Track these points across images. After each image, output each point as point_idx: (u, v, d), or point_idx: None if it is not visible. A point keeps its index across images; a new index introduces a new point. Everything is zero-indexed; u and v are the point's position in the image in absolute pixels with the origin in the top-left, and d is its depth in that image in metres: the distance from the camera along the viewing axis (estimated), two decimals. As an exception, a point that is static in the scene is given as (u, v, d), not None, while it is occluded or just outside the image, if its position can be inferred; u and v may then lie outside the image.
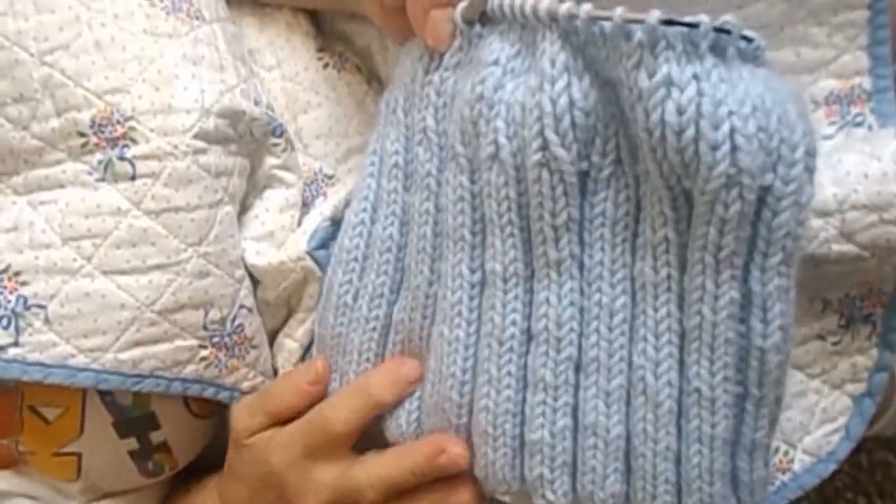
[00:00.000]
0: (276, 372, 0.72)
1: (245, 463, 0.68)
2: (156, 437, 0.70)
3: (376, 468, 0.62)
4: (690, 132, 0.47)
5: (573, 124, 0.52)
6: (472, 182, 0.57)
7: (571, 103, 0.52)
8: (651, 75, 0.47)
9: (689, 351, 0.52)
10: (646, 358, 0.53)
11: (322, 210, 0.70)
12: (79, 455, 0.68)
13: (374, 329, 0.64)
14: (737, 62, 0.47)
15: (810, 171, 0.48)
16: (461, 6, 0.57)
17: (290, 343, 0.71)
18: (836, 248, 0.60)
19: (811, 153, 0.48)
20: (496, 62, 0.55)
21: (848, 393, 0.68)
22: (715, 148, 0.46)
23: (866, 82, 0.64)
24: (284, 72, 0.74)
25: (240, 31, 0.74)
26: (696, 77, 0.47)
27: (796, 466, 0.67)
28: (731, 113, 0.46)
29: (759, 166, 0.46)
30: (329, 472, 0.64)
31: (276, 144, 0.70)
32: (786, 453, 0.67)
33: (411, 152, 0.62)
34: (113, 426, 0.68)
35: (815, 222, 0.59)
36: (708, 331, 0.51)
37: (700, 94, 0.46)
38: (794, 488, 0.67)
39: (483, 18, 0.57)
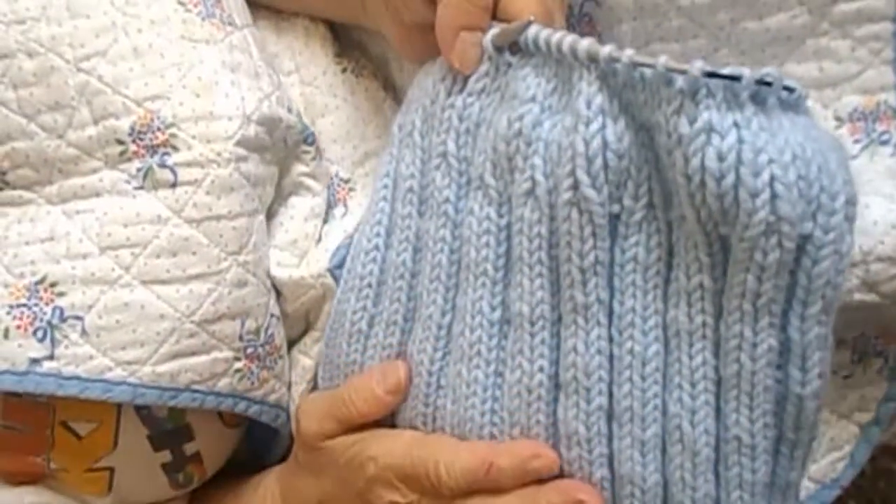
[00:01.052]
0: (289, 386, 0.72)
1: (325, 463, 0.65)
2: (189, 448, 0.69)
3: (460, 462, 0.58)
4: (730, 179, 0.47)
5: (605, 166, 0.52)
6: (500, 216, 0.57)
7: (605, 145, 0.52)
8: (692, 122, 0.48)
9: (727, 399, 0.52)
10: (682, 406, 0.53)
11: (345, 227, 0.70)
12: (111, 469, 0.68)
13: (389, 357, 0.63)
14: (777, 111, 0.48)
15: (850, 219, 0.48)
16: (493, 32, 0.57)
17: (305, 360, 0.71)
18: (858, 297, 0.60)
19: (851, 202, 0.48)
20: (533, 99, 0.55)
21: (856, 421, 0.69)
22: (755, 195, 0.47)
23: (892, 98, 0.63)
24: (303, 76, 0.74)
25: (260, 36, 0.73)
26: (736, 125, 0.47)
27: (801, 494, 0.66)
28: (771, 161, 0.46)
29: (798, 214, 0.47)
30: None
31: (306, 152, 0.70)
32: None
33: (427, 176, 0.62)
34: (147, 439, 0.67)
35: (839, 271, 0.60)
36: (747, 379, 0.51)
37: (740, 141, 0.47)
38: None
39: (513, 47, 0.57)
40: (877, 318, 0.63)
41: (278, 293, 0.70)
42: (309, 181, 0.71)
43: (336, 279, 0.67)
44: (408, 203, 0.62)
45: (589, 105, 0.52)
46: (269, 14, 0.76)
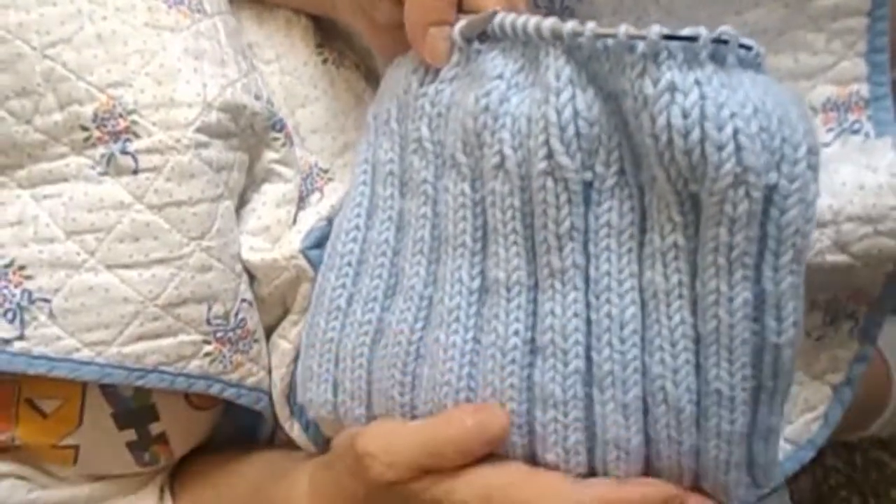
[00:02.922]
0: (270, 371, 0.73)
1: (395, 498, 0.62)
2: (155, 428, 0.71)
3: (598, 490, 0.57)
4: (696, 134, 0.49)
5: (577, 134, 0.54)
6: (474, 190, 0.59)
7: (576, 113, 0.54)
8: (655, 82, 0.50)
9: (707, 355, 0.53)
10: (664, 367, 0.54)
11: (319, 210, 0.71)
12: (76, 447, 0.69)
13: (366, 333, 0.64)
14: (737, 69, 0.50)
15: (814, 169, 0.50)
16: (460, 25, 0.59)
17: (284, 344, 0.72)
18: (829, 258, 0.62)
19: (814, 151, 0.50)
20: (500, 76, 0.57)
21: (828, 382, 0.71)
22: (720, 148, 0.48)
23: (864, 89, 0.66)
24: (283, 66, 0.75)
25: (239, 25, 0.75)
26: (697, 82, 0.49)
27: (779, 455, 0.68)
28: (733, 115, 0.48)
29: (763, 165, 0.49)
30: None
31: (275, 139, 0.72)
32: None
33: (406, 161, 0.64)
34: (112, 417, 0.69)
35: (811, 233, 0.61)
36: (725, 333, 0.52)
37: (703, 97, 0.49)
38: (777, 476, 0.67)
39: (482, 36, 0.59)
40: (848, 281, 0.65)
41: (253, 277, 0.71)
42: (280, 168, 0.72)
43: (309, 260, 0.68)
44: (388, 185, 0.64)
45: (558, 77, 0.54)
46: (253, 4, 0.78)
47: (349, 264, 0.65)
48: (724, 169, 0.49)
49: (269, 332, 0.74)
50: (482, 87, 0.57)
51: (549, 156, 0.55)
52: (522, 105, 0.56)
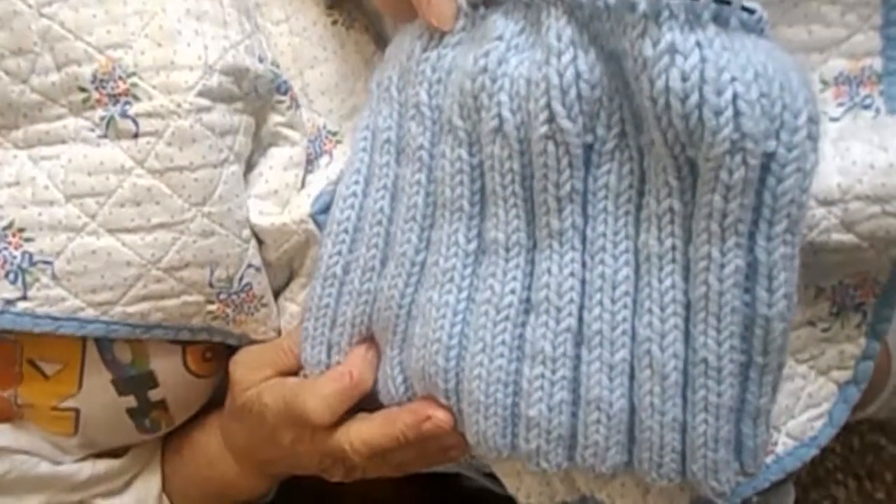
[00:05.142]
0: (279, 333, 0.75)
1: (242, 409, 0.72)
2: (154, 395, 0.72)
3: (361, 434, 0.67)
4: (694, 98, 0.49)
5: (579, 96, 0.54)
6: (471, 155, 0.59)
7: (578, 76, 0.54)
8: (655, 43, 0.50)
9: (696, 322, 0.54)
10: (652, 330, 0.55)
11: (328, 174, 0.72)
12: (77, 410, 0.71)
13: (366, 302, 0.66)
14: (739, 33, 0.50)
15: (813, 138, 0.50)
16: None
17: (292, 307, 0.74)
18: (835, 237, 0.62)
19: (814, 120, 0.50)
20: (500, 37, 0.57)
21: (834, 379, 0.70)
22: (718, 113, 0.48)
23: (877, 63, 0.64)
24: (292, 26, 0.75)
25: None
26: (698, 44, 0.49)
27: (779, 449, 0.70)
28: (733, 79, 0.48)
29: (762, 132, 0.49)
30: (315, 440, 0.69)
31: (280, 101, 0.71)
32: (770, 436, 0.69)
33: (403, 128, 0.64)
34: (112, 384, 0.70)
35: (818, 211, 0.61)
36: (714, 300, 0.53)
37: (703, 60, 0.49)
38: (776, 471, 0.69)
39: (487, 0, 0.59)
40: (854, 263, 0.65)
41: (261, 242, 0.72)
42: (286, 131, 0.72)
43: (318, 225, 0.69)
44: (385, 153, 0.65)
45: (560, 38, 0.54)
46: None
47: (346, 231, 0.66)
48: (721, 134, 0.49)
49: (275, 295, 0.74)
50: (480, 48, 0.57)
51: (551, 119, 0.55)
52: (521, 67, 0.56)
